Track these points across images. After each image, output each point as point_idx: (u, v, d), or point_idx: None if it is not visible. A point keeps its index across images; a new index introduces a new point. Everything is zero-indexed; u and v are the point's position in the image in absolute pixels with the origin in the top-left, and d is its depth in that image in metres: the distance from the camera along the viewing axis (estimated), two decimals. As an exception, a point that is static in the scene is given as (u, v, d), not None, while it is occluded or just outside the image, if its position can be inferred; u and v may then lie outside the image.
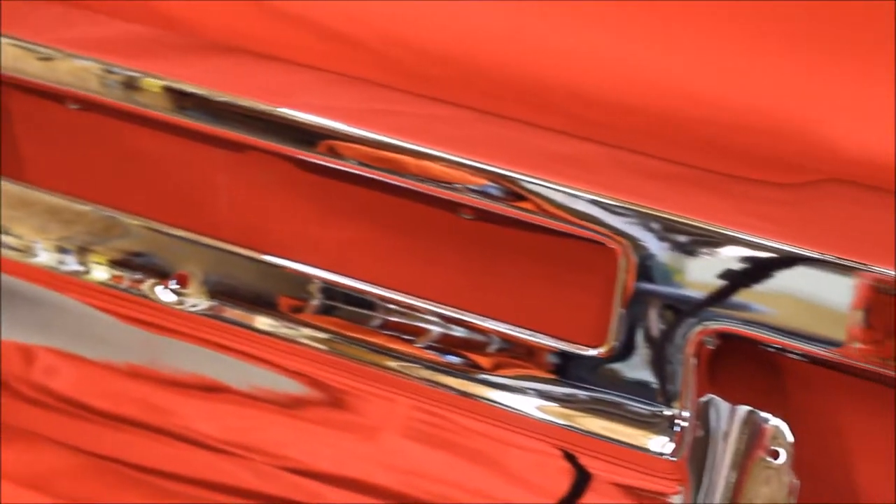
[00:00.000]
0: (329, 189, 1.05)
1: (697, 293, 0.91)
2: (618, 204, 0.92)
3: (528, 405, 1.00)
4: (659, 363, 0.94)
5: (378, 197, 1.03)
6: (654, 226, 0.91)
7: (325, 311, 1.06)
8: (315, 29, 1.04)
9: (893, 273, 0.87)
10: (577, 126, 0.98)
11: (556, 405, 0.99)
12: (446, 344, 1.02)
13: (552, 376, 0.99)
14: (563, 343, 0.98)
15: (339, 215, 1.07)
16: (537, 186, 0.94)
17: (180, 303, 1.08)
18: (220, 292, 1.07)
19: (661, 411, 0.95)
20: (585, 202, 0.93)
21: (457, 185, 0.96)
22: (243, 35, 1.06)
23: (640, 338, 0.94)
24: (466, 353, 1.02)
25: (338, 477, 1.08)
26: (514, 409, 1.00)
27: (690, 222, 0.91)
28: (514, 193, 0.95)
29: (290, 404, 1.08)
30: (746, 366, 0.96)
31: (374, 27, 1.02)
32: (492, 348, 1.01)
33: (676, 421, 0.95)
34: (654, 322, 0.93)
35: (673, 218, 0.91)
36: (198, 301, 1.07)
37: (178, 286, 1.08)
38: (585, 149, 0.97)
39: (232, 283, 1.06)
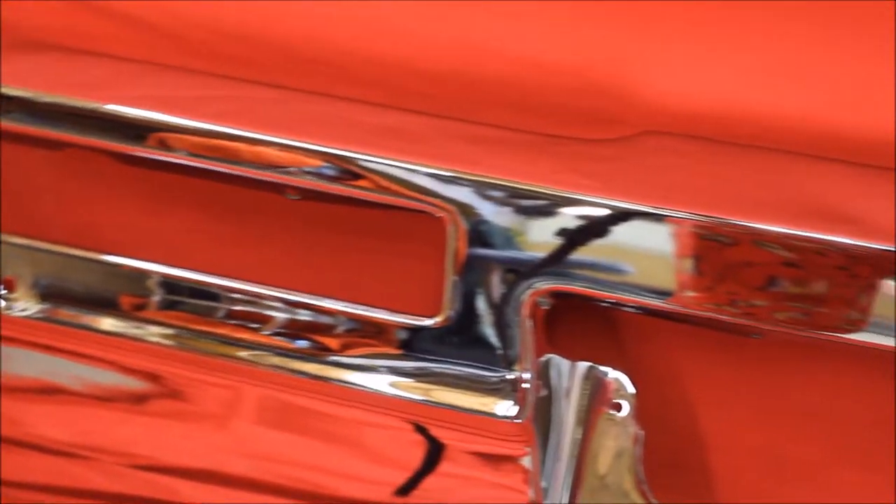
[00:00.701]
0: (157, 180, 1.04)
1: (528, 255, 0.92)
2: (442, 172, 0.92)
3: (378, 382, 1.00)
4: (498, 327, 0.95)
5: (209, 184, 1.02)
6: (481, 191, 0.92)
7: (168, 305, 1.04)
8: (116, 18, 1.02)
9: (716, 219, 0.88)
10: (401, 98, 0.98)
11: (404, 380, 0.99)
12: (293, 329, 1.02)
13: (398, 351, 0.99)
14: (398, 316, 0.98)
15: (170, 206, 1.05)
16: (367, 162, 0.94)
17: (9, 308, 1.06)
18: (53, 295, 1.05)
19: (504, 375, 0.96)
20: (409, 172, 0.93)
21: (288, 168, 0.96)
22: (44, 29, 1.04)
23: (478, 304, 0.95)
24: (314, 337, 1.02)
25: (191, 469, 1.07)
26: (363, 387, 1.00)
27: (517, 185, 0.91)
28: (347, 171, 0.94)
29: (137, 401, 1.07)
30: (585, 322, 0.97)
31: (174, 11, 1.01)
32: (338, 329, 1.01)
33: (518, 384, 0.95)
34: (489, 287, 0.94)
35: (499, 181, 0.92)
36: (27, 305, 1.05)
37: (5, 291, 1.06)
38: (409, 120, 0.97)
39: (65, 285, 1.05)
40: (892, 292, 0.87)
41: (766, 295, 0.89)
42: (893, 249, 0.86)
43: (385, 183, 0.94)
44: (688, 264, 0.89)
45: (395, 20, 0.97)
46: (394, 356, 0.99)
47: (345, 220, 1.01)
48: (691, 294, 0.90)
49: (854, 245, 0.86)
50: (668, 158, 0.91)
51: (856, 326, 0.88)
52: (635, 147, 0.92)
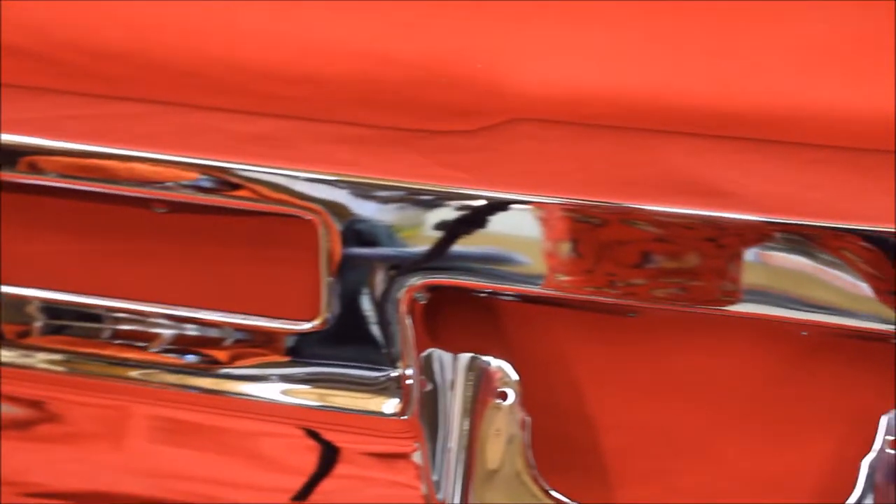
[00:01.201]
0: (24, 203, 1.03)
1: (401, 251, 0.92)
2: (308, 174, 0.92)
3: (268, 391, 0.99)
4: (379, 326, 0.95)
5: (76, 204, 1.01)
6: (350, 190, 0.92)
7: (52, 331, 1.03)
8: None
9: (584, 201, 0.89)
10: (267, 104, 0.98)
11: (293, 386, 0.99)
12: (181, 344, 1.01)
13: (286, 358, 0.99)
14: (277, 322, 0.98)
15: (40, 229, 1.04)
16: (238, 171, 0.94)
17: None
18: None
19: (389, 374, 0.96)
20: (275, 177, 0.93)
21: (162, 183, 0.95)
22: None
23: (357, 304, 0.95)
24: (202, 350, 1.01)
25: (86, 493, 1.06)
26: (254, 397, 1.00)
27: (385, 182, 0.92)
28: (219, 181, 0.94)
29: (27, 428, 1.06)
30: (466, 314, 0.98)
31: (38, 32, 1.00)
32: (225, 341, 1.00)
33: (402, 381, 0.96)
34: (367, 286, 0.94)
35: (367, 180, 0.92)
36: None
37: None
38: (276, 125, 0.97)
39: (-61, 318, 1.03)
40: (762, 262, 0.88)
41: (643, 272, 0.90)
42: (759, 220, 0.87)
43: (254, 190, 0.94)
44: (564, 248, 0.90)
45: (247, 24, 0.97)
46: (282, 364, 0.99)
47: (218, 229, 1.00)
48: (570, 278, 0.90)
49: (719, 217, 0.88)
50: (533, 145, 0.92)
51: (731, 298, 0.89)
52: (501, 136, 0.92)
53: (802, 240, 0.87)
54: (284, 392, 0.99)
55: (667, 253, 0.89)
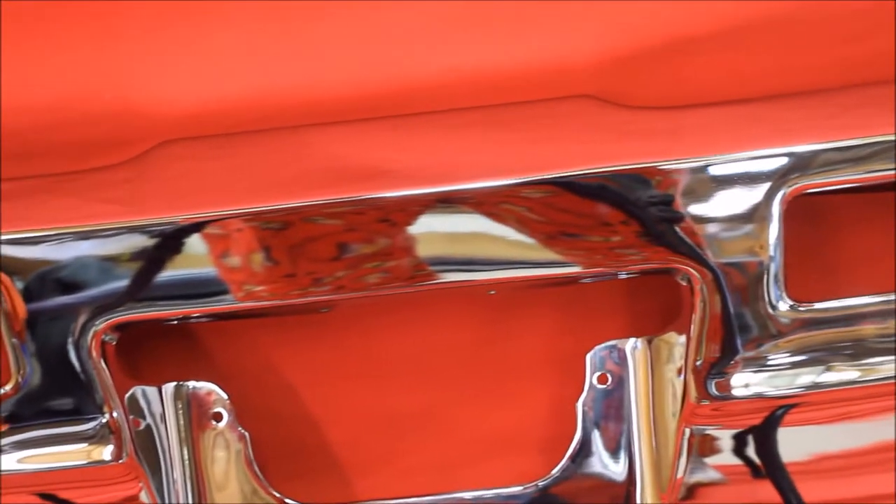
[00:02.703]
0: None
1: (81, 297, 0.90)
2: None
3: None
4: (76, 375, 0.93)
5: None
6: (23, 246, 0.90)
7: None
8: None
9: (248, 210, 0.88)
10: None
11: (15, 454, 0.96)
12: None
13: (4, 427, 0.96)
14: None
15: None
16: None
17: None
18: None
19: (99, 421, 0.94)
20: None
21: None
22: None
23: (50, 358, 0.92)
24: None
25: None
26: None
27: (52, 231, 0.90)
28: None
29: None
30: (165, 344, 0.97)
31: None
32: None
33: (111, 425, 0.94)
34: (54, 338, 0.92)
35: (33, 234, 0.90)
36: None
37: None
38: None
39: None
40: (435, 232, 0.89)
41: (343, 263, 0.90)
42: (421, 192, 0.88)
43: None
44: (255, 259, 0.89)
45: None
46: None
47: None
48: (268, 286, 0.90)
49: (383, 197, 0.88)
50: (188, 164, 0.91)
51: (421, 272, 0.90)
52: (153, 162, 0.91)
53: (467, 203, 0.88)
54: (18, 460, 0.96)
55: (357, 240, 0.89)
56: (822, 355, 0.92)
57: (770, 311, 0.91)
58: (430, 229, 0.89)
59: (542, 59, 0.93)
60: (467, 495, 0.97)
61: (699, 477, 0.96)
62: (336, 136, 0.91)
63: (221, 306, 0.91)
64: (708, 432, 0.95)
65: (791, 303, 0.91)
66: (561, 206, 0.89)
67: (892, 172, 0.89)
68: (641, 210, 0.89)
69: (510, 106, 0.91)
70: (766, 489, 0.96)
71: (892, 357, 0.93)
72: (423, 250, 0.90)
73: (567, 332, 0.98)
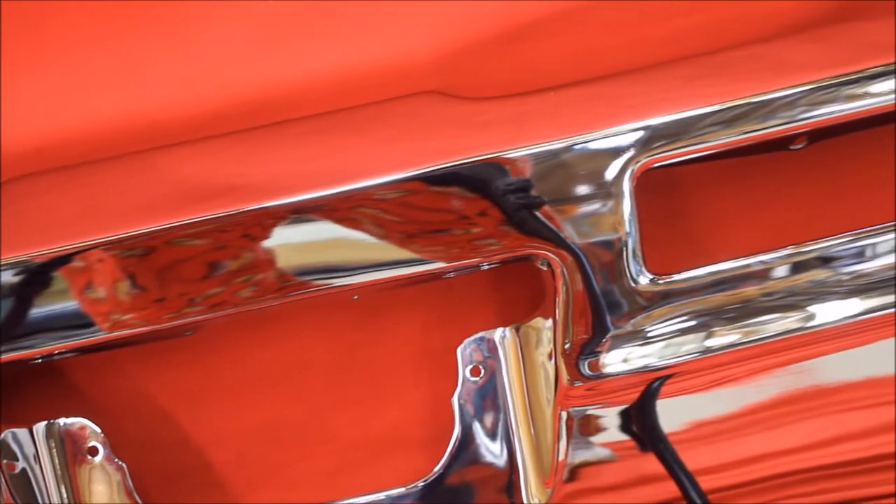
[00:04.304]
0: None
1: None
2: None
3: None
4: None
5: None
6: None
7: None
8: None
9: (125, 235, 0.87)
10: None
11: None
12: None
13: None
14: None
15: None
16: None
17: None
18: None
19: (-28, 467, 0.93)
20: None
21: None
22: None
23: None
24: None
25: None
26: None
27: None
28: None
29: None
30: (41, 384, 0.95)
31: None
32: None
33: (-16, 470, 0.93)
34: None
35: None
36: None
37: None
38: None
39: None
40: (293, 243, 0.89)
41: (213, 281, 0.89)
42: (274, 204, 0.87)
43: None
44: (122, 288, 0.88)
45: None
46: None
47: None
48: (140, 312, 0.88)
49: (237, 213, 0.88)
50: (36, 200, 0.90)
51: (287, 284, 0.90)
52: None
53: (321, 211, 0.88)
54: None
55: (224, 258, 0.88)
56: (688, 324, 0.94)
57: (633, 285, 0.92)
58: (287, 241, 0.89)
59: (382, 60, 0.93)
60: (356, 501, 0.97)
61: (585, 456, 0.97)
62: (184, 156, 0.90)
63: (91, 339, 0.89)
64: (590, 412, 0.96)
65: (651, 276, 0.92)
66: (415, 205, 0.89)
67: (735, 139, 0.90)
68: (495, 200, 0.89)
69: (355, 109, 0.90)
70: (653, 462, 0.97)
71: (763, 318, 0.94)
72: (285, 262, 0.89)
73: (436, 329, 0.98)
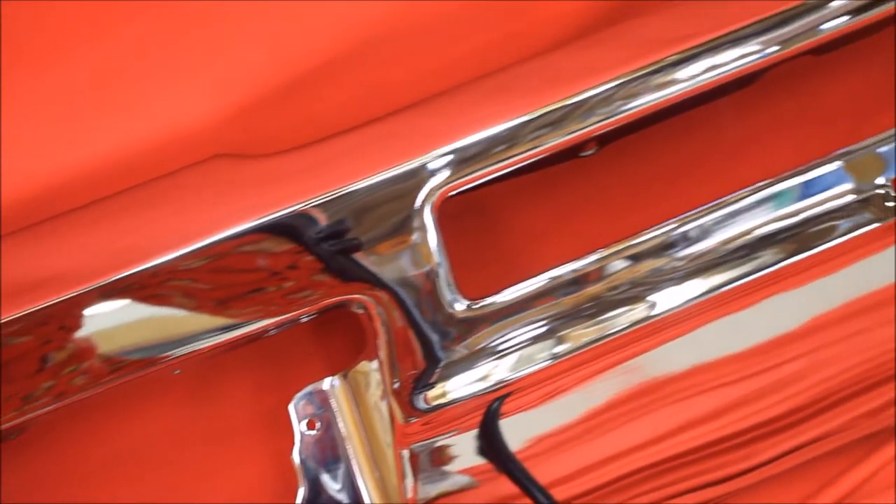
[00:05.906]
0: None
1: None
2: None
3: None
4: None
5: None
6: None
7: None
8: None
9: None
10: None
11: None
12: None
13: None
14: None
15: None
16: None
17: None
18: None
19: None
20: None
21: None
22: None
23: None
24: None
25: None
26: None
27: None
28: None
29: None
30: None
31: None
32: None
33: None
34: None
35: None
36: None
37: None
38: None
39: None
40: (107, 324, 0.87)
41: (46, 374, 0.87)
42: (79, 292, 0.86)
43: None
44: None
45: None
46: None
47: None
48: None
49: (45, 306, 0.86)
50: None
51: (123, 361, 0.88)
52: None
53: (127, 292, 0.87)
54: None
55: (45, 352, 0.87)
56: (511, 342, 0.94)
57: (450, 313, 0.92)
58: (101, 325, 0.87)
59: (167, 130, 0.92)
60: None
61: (442, 487, 0.97)
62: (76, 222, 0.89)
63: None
64: (440, 443, 0.96)
65: (468, 302, 0.92)
66: (224, 268, 0.88)
67: (522, 157, 0.91)
68: (302, 252, 0.89)
69: (145, 185, 0.89)
70: (509, 483, 0.98)
71: (585, 323, 0.95)
72: (104, 347, 0.88)
73: (267, 389, 0.97)
